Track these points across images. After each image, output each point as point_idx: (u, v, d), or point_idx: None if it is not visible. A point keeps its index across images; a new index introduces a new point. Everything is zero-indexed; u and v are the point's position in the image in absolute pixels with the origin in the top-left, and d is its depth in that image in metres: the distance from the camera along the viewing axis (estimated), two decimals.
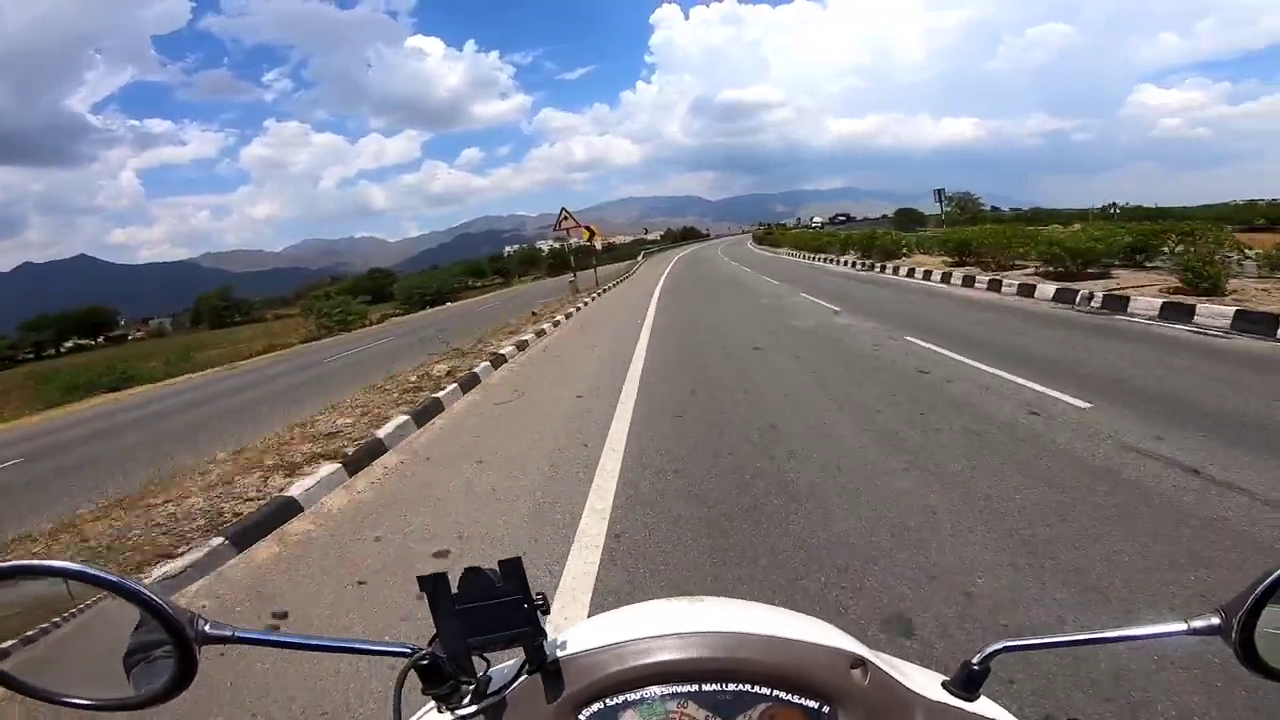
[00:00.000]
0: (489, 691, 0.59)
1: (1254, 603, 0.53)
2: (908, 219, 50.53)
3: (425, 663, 0.57)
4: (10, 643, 0.54)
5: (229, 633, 0.55)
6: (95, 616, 0.55)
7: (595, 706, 0.56)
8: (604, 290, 20.99)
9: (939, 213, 31.56)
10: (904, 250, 19.77)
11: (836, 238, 28.40)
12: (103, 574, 0.51)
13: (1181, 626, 0.55)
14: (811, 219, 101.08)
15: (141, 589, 0.51)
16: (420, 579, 0.57)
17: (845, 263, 21.96)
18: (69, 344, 61.90)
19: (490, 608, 0.57)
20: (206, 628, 0.53)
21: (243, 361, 22.16)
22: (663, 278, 24.19)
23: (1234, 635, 0.53)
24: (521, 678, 0.59)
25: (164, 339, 59.49)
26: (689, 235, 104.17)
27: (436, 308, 36.12)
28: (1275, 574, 0.53)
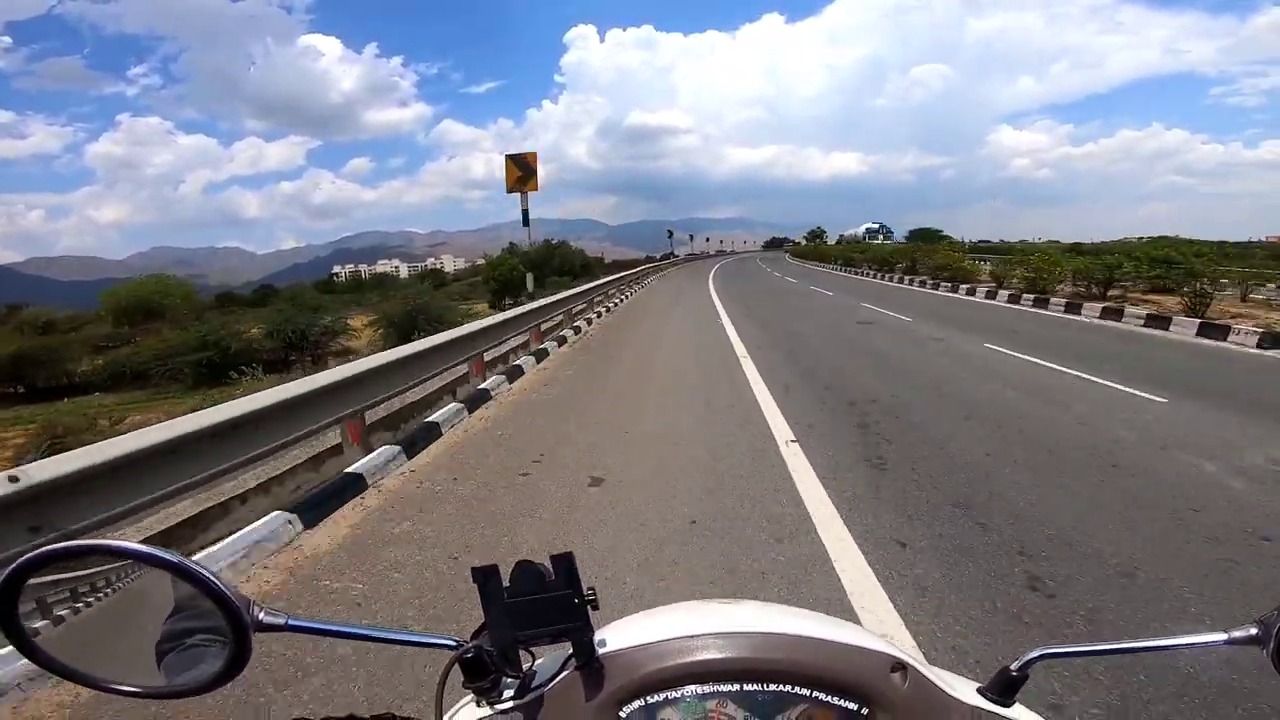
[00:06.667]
0: (531, 687, 0.59)
1: None
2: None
3: (469, 656, 0.56)
4: (42, 623, 0.50)
5: (282, 621, 0.52)
6: (128, 599, 0.51)
7: (636, 704, 0.56)
8: None
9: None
10: None
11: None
12: (168, 556, 0.48)
13: (1221, 637, 0.56)
14: (860, 232, 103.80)
15: (206, 573, 0.48)
16: (473, 570, 0.57)
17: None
18: None
19: (540, 601, 0.56)
20: (262, 615, 0.51)
21: None
22: None
23: (1271, 645, 0.54)
24: (564, 673, 0.58)
25: None
26: (582, 270, 30.87)
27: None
28: None
